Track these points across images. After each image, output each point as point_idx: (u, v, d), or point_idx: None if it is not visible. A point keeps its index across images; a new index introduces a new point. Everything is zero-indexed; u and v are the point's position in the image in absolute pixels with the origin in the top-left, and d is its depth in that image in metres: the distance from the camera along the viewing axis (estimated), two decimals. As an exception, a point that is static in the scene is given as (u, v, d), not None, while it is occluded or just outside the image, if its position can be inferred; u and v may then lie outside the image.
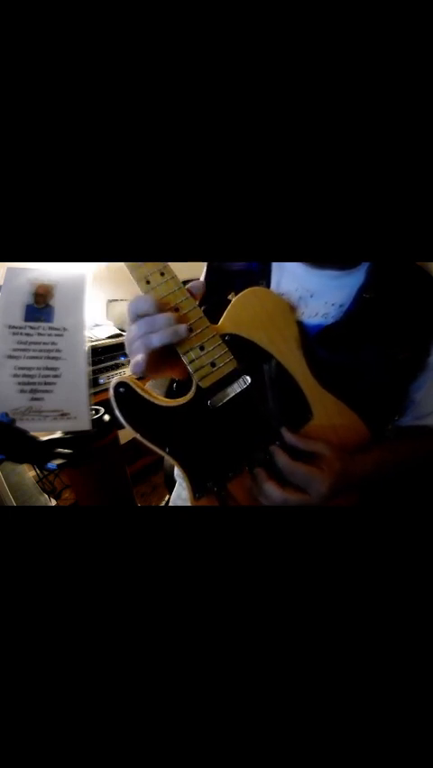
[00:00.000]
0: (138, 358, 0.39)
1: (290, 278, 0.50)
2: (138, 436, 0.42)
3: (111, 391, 0.41)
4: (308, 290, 0.49)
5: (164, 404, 0.42)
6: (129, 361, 0.42)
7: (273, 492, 0.40)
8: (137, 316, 0.39)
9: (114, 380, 0.41)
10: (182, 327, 0.39)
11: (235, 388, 0.44)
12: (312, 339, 0.47)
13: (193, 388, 0.43)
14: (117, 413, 0.41)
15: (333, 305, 0.48)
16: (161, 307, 0.39)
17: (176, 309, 0.41)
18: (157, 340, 0.38)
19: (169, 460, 0.43)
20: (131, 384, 0.41)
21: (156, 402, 0.42)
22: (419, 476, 0.50)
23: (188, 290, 0.41)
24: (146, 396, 0.42)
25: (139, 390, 0.41)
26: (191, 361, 0.42)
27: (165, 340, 0.38)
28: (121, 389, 0.41)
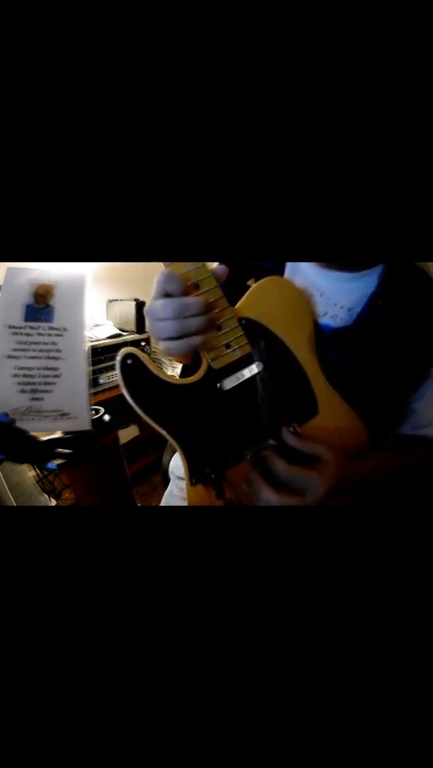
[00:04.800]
0: (176, 342, 0.39)
1: (301, 276, 0.50)
2: (140, 412, 0.40)
3: (117, 362, 0.39)
4: (318, 289, 0.49)
5: (171, 381, 0.41)
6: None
7: (269, 496, 0.41)
8: (165, 293, 0.38)
9: (121, 351, 0.39)
10: (214, 314, 0.38)
11: (246, 374, 0.42)
12: (321, 339, 0.47)
13: (204, 368, 0.41)
14: (122, 386, 0.39)
15: (342, 307, 0.48)
16: (187, 289, 0.38)
17: (196, 286, 0.39)
18: (195, 325, 0.37)
19: (168, 440, 0.42)
20: (139, 356, 0.39)
21: (163, 378, 0.40)
22: (413, 483, 0.50)
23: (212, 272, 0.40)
24: (154, 370, 0.40)
25: (147, 364, 0.40)
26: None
27: (202, 326, 0.38)
28: (128, 361, 0.39)
